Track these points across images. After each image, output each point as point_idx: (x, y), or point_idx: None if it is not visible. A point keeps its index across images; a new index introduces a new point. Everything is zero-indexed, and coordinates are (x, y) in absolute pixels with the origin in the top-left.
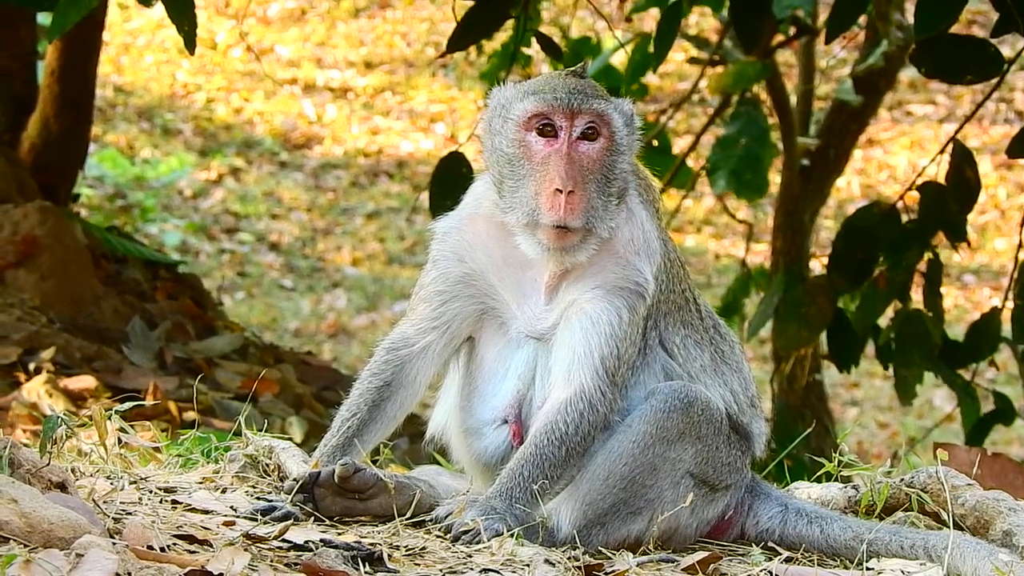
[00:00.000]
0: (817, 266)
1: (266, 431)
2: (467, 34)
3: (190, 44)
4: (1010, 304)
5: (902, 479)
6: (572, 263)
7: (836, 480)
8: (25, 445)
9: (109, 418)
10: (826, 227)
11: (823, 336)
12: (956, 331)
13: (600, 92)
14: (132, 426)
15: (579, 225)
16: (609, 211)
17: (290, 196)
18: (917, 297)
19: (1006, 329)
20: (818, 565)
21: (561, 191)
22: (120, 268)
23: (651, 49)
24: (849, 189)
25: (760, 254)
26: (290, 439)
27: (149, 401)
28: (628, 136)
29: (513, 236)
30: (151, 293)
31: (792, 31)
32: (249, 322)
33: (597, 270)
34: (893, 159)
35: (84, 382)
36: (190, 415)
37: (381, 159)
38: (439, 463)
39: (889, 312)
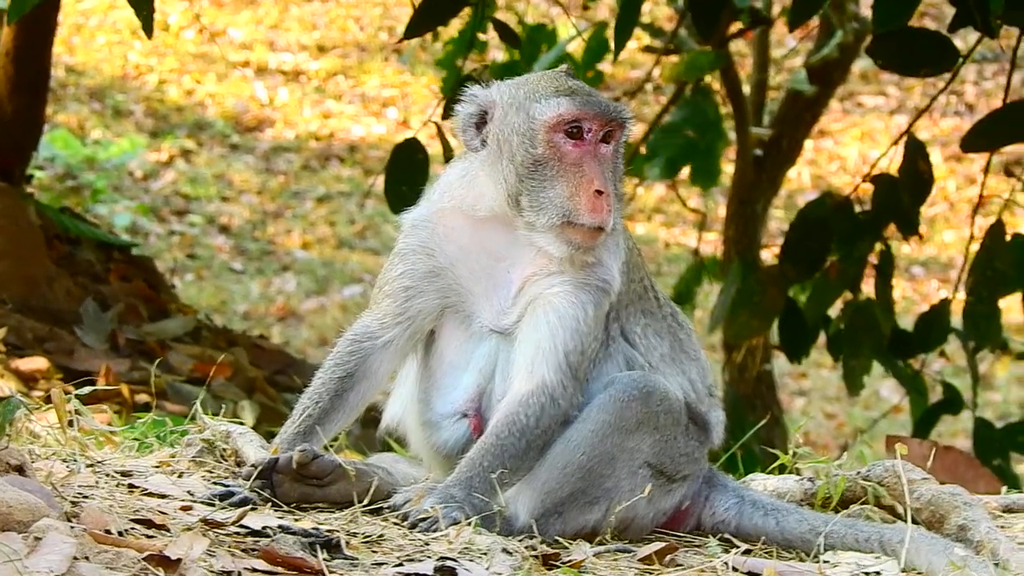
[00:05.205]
0: (768, 256)
1: (219, 415)
2: (425, 20)
3: (148, 27)
4: (960, 296)
5: (858, 472)
6: (588, 261)
7: (791, 472)
8: None
9: (68, 401)
10: (776, 217)
11: (774, 326)
12: (904, 322)
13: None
14: (87, 407)
15: (612, 225)
16: (619, 211)
17: (241, 179)
18: (868, 288)
19: (955, 320)
20: (774, 557)
21: (602, 192)
22: (73, 250)
23: (608, 35)
24: (800, 180)
25: (711, 243)
26: (242, 423)
27: (102, 383)
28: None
29: (485, 226)
30: (104, 275)
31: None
32: (199, 304)
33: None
34: (844, 150)
35: (36, 363)
36: (143, 398)
37: (332, 143)
38: (393, 451)
39: (840, 303)
